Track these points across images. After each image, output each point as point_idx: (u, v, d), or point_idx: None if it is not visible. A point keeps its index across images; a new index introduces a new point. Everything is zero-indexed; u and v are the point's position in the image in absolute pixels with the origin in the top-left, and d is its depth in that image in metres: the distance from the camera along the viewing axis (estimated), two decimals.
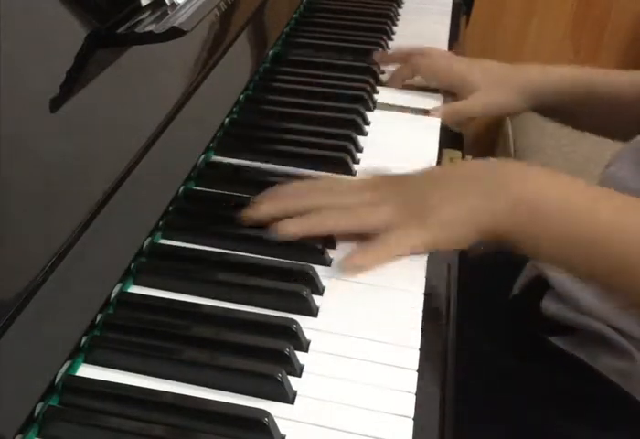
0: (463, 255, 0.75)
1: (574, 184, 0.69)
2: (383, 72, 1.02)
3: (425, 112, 0.94)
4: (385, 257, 0.66)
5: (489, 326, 0.92)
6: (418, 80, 1.00)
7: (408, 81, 1.00)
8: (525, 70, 0.99)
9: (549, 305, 0.88)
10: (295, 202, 0.69)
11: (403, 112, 0.94)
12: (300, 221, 0.66)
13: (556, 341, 0.86)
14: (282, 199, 0.69)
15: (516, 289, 0.95)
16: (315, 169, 0.78)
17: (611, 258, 0.65)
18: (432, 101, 0.96)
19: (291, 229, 0.66)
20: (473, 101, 0.96)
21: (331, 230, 0.68)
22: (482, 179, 0.68)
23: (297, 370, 0.55)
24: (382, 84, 0.99)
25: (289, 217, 0.67)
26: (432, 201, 0.67)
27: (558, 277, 0.85)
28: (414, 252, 0.67)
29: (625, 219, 0.65)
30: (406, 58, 1.00)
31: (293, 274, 0.63)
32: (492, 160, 0.75)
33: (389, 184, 0.70)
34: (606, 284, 0.69)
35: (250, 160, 0.79)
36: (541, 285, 0.90)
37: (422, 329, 0.61)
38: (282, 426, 0.51)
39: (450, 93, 0.98)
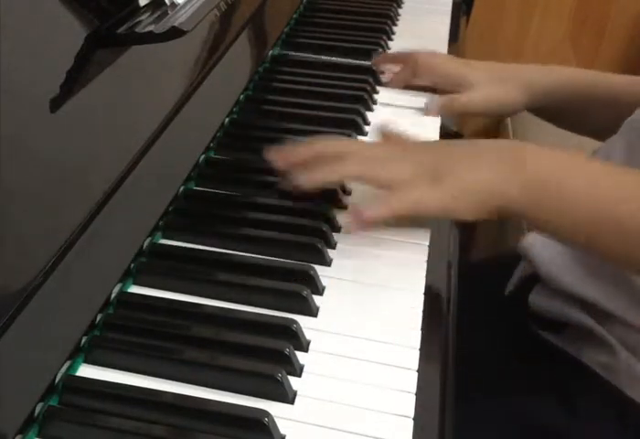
0: (462, 255, 0.75)
1: (577, 161, 0.71)
2: (383, 72, 1.02)
3: (424, 111, 0.94)
4: (396, 211, 0.67)
5: (485, 326, 0.93)
6: (417, 80, 1.00)
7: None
8: (526, 70, 0.99)
9: (536, 299, 0.89)
10: (325, 148, 0.71)
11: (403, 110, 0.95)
12: (327, 169, 0.68)
13: (547, 336, 0.87)
14: (314, 146, 0.71)
15: (509, 288, 0.96)
16: None
17: (616, 232, 0.67)
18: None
19: (320, 175, 0.68)
20: (473, 95, 0.96)
21: (351, 176, 0.70)
22: (499, 154, 0.70)
23: (297, 370, 0.55)
24: (382, 84, 0.99)
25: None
26: (451, 166, 0.68)
27: (543, 261, 0.86)
28: (423, 213, 0.68)
29: (626, 193, 0.68)
30: (405, 60, 1.00)
31: (293, 274, 0.63)
32: (507, 140, 0.77)
33: (411, 145, 0.73)
34: (606, 255, 0.71)
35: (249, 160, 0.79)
36: (532, 283, 0.91)
37: (422, 329, 0.61)
38: (282, 426, 0.51)
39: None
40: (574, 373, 0.84)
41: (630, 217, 0.67)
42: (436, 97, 0.96)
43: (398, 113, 0.93)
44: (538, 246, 0.88)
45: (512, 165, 0.68)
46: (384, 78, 1.00)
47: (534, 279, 0.91)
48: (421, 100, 0.96)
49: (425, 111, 0.94)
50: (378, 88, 0.98)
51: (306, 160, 0.70)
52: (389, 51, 1.08)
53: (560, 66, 1.02)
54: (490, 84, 0.96)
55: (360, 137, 0.85)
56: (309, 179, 0.68)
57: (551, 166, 0.69)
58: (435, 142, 0.75)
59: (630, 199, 0.68)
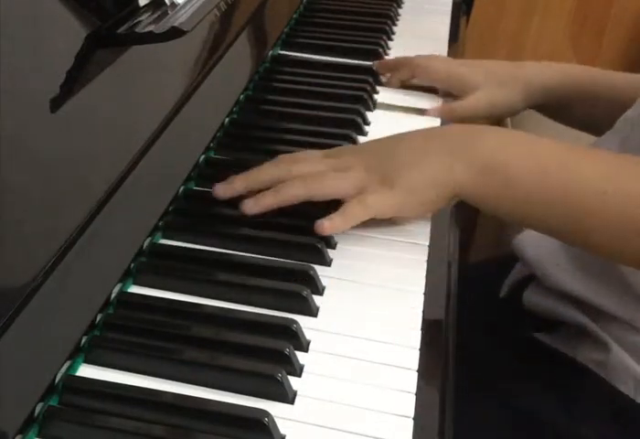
0: (462, 256, 0.75)
1: (530, 143, 0.70)
2: (383, 73, 1.02)
3: (424, 112, 0.94)
4: (352, 221, 0.67)
5: (483, 327, 0.93)
6: (417, 81, 1.00)
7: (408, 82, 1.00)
8: (524, 68, 0.99)
9: (530, 297, 0.89)
10: (259, 176, 0.70)
11: (404, 112, 0.94)
12: (269, 194, 0.68)
13: (540, 337, 0.87)
14: (249, 175, 0.71)
15: (504, 290, 0.96)
16: None
17: (567, 215, 0.67)
18: (432, 103, 0.96)
19: (265, 201, 0.68)
20: (475, 100, 0.95)
21: (302, 198, 0.68)
22: (443, 140, 0.70)
23: (297, 370, 0.55)
24: (382, 84, 0.99)
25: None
26: (398, 165, 0.68)
27: (537, 259, 0.87)
28: (382, 216, 0.69)
29: (576, 176, 0.67)
30: (404, 64, 1.00)
31: (293, 274, 0.63)
32: (457, 125, 0.77)
33: (353, 150, 0.73)
34: (562, 238, 0.73)
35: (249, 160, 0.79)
36: (527, 284, 0.91)
37: (422, 329, 0.61)
38: (282, 426, 0.51)
39: (451, 94, 0.98)
40: (570, 372, 0.84)
41: (580, 204, 0.66)
42: (435, 104, 0.96)
43: (398, 113, 0.93)
44: (530, 244, 0.88)
45: (458, 152, 0.68)
46: (383, 78, 1.00)
47: (529, 279, 0.91)
48: (420, 100, 0.96)
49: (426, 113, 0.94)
50: (378, 88, 0.98)
51: (254, 187, 0.69)
52: (387, 58, 1.07)
53: (558, 62, 1.02)
54: (490, 87, 0.96)
55: (360, 137, 0.85)
56: (255, 206, 0.68)
57: (498, 148, 0.69)
58: (380, 141, 0.73)
59: (583, 185, 0.66)
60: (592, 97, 0.97)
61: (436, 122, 0.92)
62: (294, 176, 0.69)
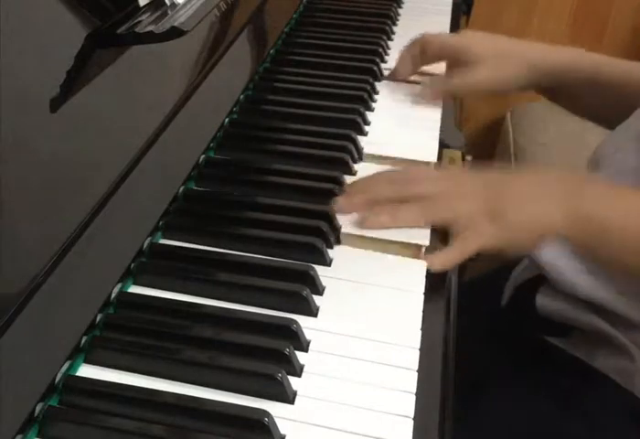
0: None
1: (622, 194, 0.74)
2: (383, 72, 1.02)
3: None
4: (467, 253, 0.69)
5: (485, 332, 0.92)
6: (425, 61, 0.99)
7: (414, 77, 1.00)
8: (533, 47, 0.98)
9: (543, 301, 0.88)
10: (377, 194, 0.72)
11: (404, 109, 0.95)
12: (386, 214, 0.70)
13: (554, 341, 0.86)
14: (368, 192, 0.72)
15: (506, 295, 0.94)
16: (315, 169, 0.78)
17: None
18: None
19: (382, 221, 0.70)
20: (477, 73, 0.94)
21: (417, 224, 0.70)
22: (557, 186, 0.72)
23: (297, 370, 0.55)
24: (389, 77, 0.99)
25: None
26: (507, 204, 0.70)
27: (555, 265, 0.86)
28: (483, 251, 0.70)
29: None
30: (414, 41, 0.99)
31: (293, 274, 0.63)
32: (554, 172, 0.78)
33: (471, 178, 0.73)
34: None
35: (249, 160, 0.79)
36: (531, 288, 0.90)
37: (422, 329, 0.61)
38: (282, 426, 0.51)
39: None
40: (583, 378, 0.82)
41: None
42: (435, 78, 0.95)
43: (398, 113, 0.93)
44: (546, 249, 0.87)
45: (559, 199, 0.70)
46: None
47: (533, 285, 0.90)
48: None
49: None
50: (378, 88, 0.98)
51: (374, 205, 0.72)
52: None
53: (568, 47, 1.01)
54: (496, 61, 0.94)
55: (360, 137, 0.85)
56: (372, 225, 0.70)
57: (596, 201, 0.72)
58: (489, 174, 0.75)
59: None
60: (604, 86, 0.95)
61: (436, 123, 0.92)
62: (411, 196, 0.71)
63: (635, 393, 0.80)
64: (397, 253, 0.69)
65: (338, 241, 0.69)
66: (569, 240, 0.72)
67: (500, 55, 0.95)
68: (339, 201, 0.71)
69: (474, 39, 0.97)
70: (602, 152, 0.89)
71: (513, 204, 0.70)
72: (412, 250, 0.69)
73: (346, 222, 0.71)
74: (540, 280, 0.89)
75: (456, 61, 0.96)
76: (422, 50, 0.97)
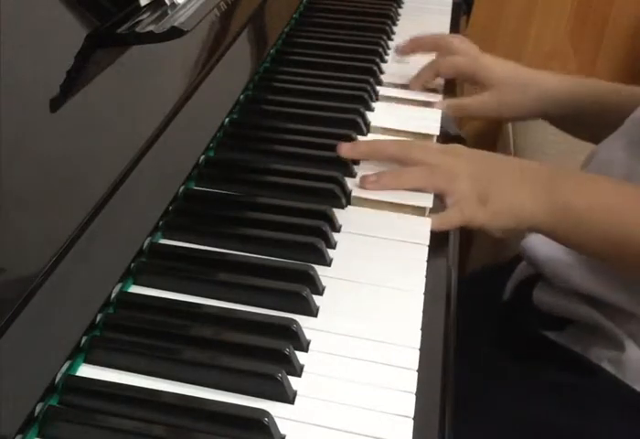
0: (462, 256, 0.76)
1: (601, 185, 0.78)
2: (383, 72, 1.02)
3: (431, 104, 0.94)
4: (447, 226, 0.74)
5: (486, 329, 0.93)
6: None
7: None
8: (543, 77, 1.00)
9: (540, 296, 0.90)
10: (383, 151, 0.79)
11: (405, 104, 0.95)
12: (390, 175, 0.76)
13: (551, 335, 0.87)
14: (374, 147, 0.80)
15: (507, 291, 0.95)
16: (315, 169, 0.78)
17: (617, 234, 0.75)
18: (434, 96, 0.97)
19: (386, 182, 0.76)
20: (489, 98, 0.97)
21: (417, 188, 0.76)
22: (537, 174, 0.78)
23: (297, 370, 0.55)
24: (382, 85, 0.99)
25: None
26: (497, 188, 0.76)
27: (550, 260, 0.88)
28: (468, 226, 0.76)
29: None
30: (437, 44, 1.01)
31: (293, 274, 0.63)
32: (540, 165, 0.83)
33: (468, 158, 0.79)
34: (607, 259, 0.79)
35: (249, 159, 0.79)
36: (532, 284, 0.91)
37: (422, 329, 0.61)
38: (282, 426, 0.51)
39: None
40: (580, 371, 0.83)
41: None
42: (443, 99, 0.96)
43: (398, 113, 0.93)
44: (539, 245, 0.88)
45: (543, 190, 0.76)
46: (385, 77, 1.00)
47: (534, 281, 0.91)
48: (421, 97, 0.97)
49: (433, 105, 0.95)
50: (378, 88, 0.98)
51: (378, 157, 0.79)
52: (414, 36, 1.06)
53: (573, 77, 1.03)
54: (509, 88, 0.97)
55: (360, 137, 0.85)
56: (376, 184, 0.75)
57: (577, 192, 0.76)
58: (489, 156, 0.81)
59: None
60: (603, 110, 0.97)
61: (436, 123, 0.92)
62: (414, 162, 0.77)
63: (627, 382, 0.81)
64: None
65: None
66: (544, 227, 0.77)
67: (516, 84, 0.97)
68: (343, 145, 0.77)
69: (492, 61, 0.99)
70: (596, 157, 0.90)
71: (497, 191, 0.75)
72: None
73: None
74: (540, 276, 0.90)
75: (473, 79, 0.99)
76: (436, 74, 1.00)
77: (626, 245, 0.74)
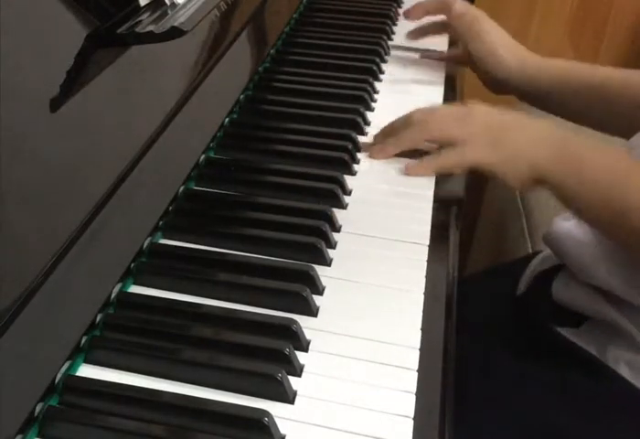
0: (462, 256, 0.75)
1: (616, 151, 0.81)
2: (383, 72, 1.02)
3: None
4: (442, 167, 0.78)
5: (496, 328, 0.92)
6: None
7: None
8: (530, 54, 1.04)
9: (560, 288, 0.89)
10: (405, 143, 0.81)
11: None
12: (394, 139, 0.81)
13: (566, 333, 0.86)
14: (399, 144, 0.82)
15: (522, 285, 0.95)
16: (315, 169, 0.78)
17: (618, 200, 0.75)
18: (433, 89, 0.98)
19: (388, 150, 0.81)
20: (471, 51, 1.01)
21: (421, 136, 0.80)
22: (548, 133, 0.79)
23: (297, 370, 0.55)
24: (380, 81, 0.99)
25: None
26: (509, 135, 0.78)
27: (577, 251, 0.87)
28: (475, 169, 0.78)
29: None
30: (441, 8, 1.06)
31: (293, 274, 0.63)
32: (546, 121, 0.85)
33: (484, 122, 0.80)
34: (608, 229, 0.79)
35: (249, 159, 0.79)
36: (549, 277, 0.90)
37: (422, 329, 0.61)
38: (282, 426, 0.51)
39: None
40: (592, 374, 0.82)
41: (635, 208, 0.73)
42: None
43: (398, 113, 0.93)
44: (564, 236, 0.87)
45: (557, 143, 0.77)
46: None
47: (552, 274, 0.90)
48: (422, 97, 0.96)
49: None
50: (378, 87, 0.98)
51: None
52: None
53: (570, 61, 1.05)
54: (492, 46, 1.01)
55: (360, 137, 0.85)
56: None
57: (592, 148, 0.78)
58: (495, 110, 0.82)
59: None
60: (589, 89, 0.97)
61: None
62: (434, 117, 0.80)
63: None
64: None
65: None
66: (553, 179, 0.77)
67: (498, 45, 1.01)
68: (374, 152, 0.82)
69: (486, 26, 1.02)
70: (633, 152, 0.89)
71: (510, 139, 0.78)
72: None
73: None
74: (557, 270, 0.90)
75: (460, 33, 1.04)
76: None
77: (625, 217, 0.74)
